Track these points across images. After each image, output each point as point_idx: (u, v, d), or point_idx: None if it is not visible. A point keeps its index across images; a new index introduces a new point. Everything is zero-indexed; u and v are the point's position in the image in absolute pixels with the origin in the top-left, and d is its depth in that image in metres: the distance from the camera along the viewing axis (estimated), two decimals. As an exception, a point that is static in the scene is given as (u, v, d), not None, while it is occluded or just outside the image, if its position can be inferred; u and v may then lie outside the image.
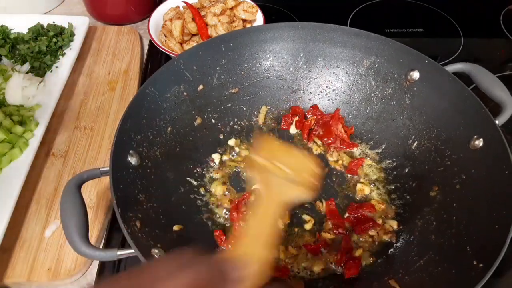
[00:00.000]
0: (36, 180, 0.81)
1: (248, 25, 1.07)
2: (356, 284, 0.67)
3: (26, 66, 0.94)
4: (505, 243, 0.56)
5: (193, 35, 1.04)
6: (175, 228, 0.68)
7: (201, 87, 0.82)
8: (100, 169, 0.63)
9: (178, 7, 1.08)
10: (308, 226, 0.75)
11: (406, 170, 0.81)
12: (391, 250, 0.71)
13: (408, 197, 0.78)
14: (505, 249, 0.55)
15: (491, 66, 0.81)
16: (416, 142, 0.81)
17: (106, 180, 0.64)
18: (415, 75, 0.80)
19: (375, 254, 0.71)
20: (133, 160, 0.66)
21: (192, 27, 1.01)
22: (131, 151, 0.66)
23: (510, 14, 1.28)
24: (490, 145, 0.68)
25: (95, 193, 0.78)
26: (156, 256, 0.57)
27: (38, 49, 0.97)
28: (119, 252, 0.56)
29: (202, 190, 0.79)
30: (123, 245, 0.75)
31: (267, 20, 1.05)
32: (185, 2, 1.06)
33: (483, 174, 0.67)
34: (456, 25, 1.23)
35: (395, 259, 0.70)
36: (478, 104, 0.71)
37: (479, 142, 0.69)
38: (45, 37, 0.99)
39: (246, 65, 0.87)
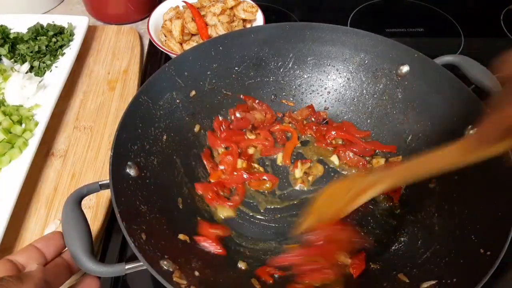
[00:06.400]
0: (35, 180, 0.81)
1: (248, 25, 1.07)
2: (365, 280, 0.67)
3: (26, 66, 0.94)
4: (510, 230, 0.56)
5: (193, 35, 1.03)
6: (181, 237, 0.68)
7: (193, 92, 0.82)
8: (100, 183, 0.62)
9: (178, 6, 1.08)
10: None
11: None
12: (396, 244, 0.72)
13: (407, 190, 0.79)
14: (510, 236, 0.55)
15: (491, 66, 0.81)
16: (411, 135, 0.82)
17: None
18: (405, 69, 0.81)
19: (381, 250, 0.71)
20: (131, 171, 0.66)
21: (192, 27, 1.01)
22: (129, 163, 0.66)
23: (511, 14, 1.28)
24: None
25: (95, 193, 0.78)
26: (165, 268, 0.57)
27: (37, 49, 0.96)
28: (127, 266, 0.56)
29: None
30: (124, 247, 0.75)
31: (267, 20, 1.05)
32: (185, 2, 1.05)
33: (480, 163, 0.67)
34: (456, 25, 1.23)
35: (402, 253, 0.70)
36: (469, 94, 0.72)
37: (474, 132, 0.69)
38: (44, 37, 0.98)
39: (237, 68, 0.86)
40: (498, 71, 0.45)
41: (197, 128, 0.84)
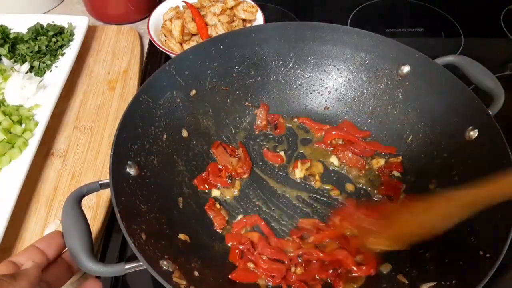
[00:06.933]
0: (35, 180, 0.81)
1: (248, 25, 1.07)
2: (365, 281, 0.67)
3: (26, 66, 0.94)
4: (510, 232, 0.56)
5: (193, 35, 1.03)
6: (181, 237, 0.68)
7: (193, 91, 0.82)
8: (100, 182, 0.62)
9: (178, 6, 1.08)
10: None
11: (403, 164, 0.81)
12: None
13: (407, 191, 0.78)
14: (510, 238, 0.56)
15: (491, 66, 0.81)
16: (411, 136, 0.82)
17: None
18: (406, 69, 0.81)
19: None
20: (131, 170, 0.66)
21: (192, 27, 1.01)
22: (129, 162, 0.66)
23: (511, 14, 1.27)
24: (485, 135, 0.68)
25: (95, 193, 0.78)
26: (165, 268, 0.57)
27: (37, 49, 0.96)
28: (127, 266, 0.56)
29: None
30: (124, 247, 0.75)
31: (267, 20, 1.05)
32: (185, 2, 1.05)
33: (480, 164, 0.67)
34: (456, 24, 1.23)
35: (401, 254, 0.69)
36: (470, 95, 0.72)
37: (474, 133, 0.70)
38: (44, 37, 0.98)
39: (237, 68, 0.86)
40: None
41: (193, 126, 0.83)
